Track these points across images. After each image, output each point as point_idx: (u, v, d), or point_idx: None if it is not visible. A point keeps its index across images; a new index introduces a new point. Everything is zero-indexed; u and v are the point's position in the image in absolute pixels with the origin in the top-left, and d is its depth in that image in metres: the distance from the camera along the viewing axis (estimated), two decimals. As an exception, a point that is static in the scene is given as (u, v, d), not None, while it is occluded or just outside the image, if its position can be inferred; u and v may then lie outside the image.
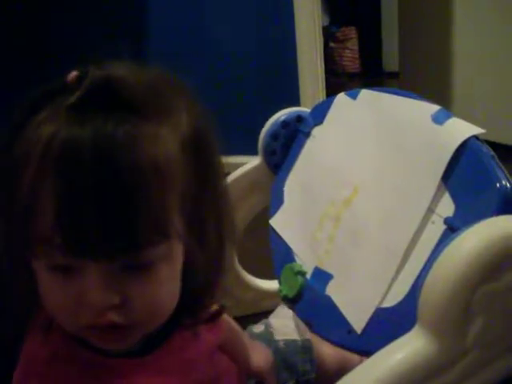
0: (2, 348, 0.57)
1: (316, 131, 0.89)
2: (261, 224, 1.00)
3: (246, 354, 0.73)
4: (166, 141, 0.47)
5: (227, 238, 0.56)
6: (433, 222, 0.61)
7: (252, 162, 0.98)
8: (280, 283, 0.81)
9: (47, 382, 0.52)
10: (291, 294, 0.77)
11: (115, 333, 0.49)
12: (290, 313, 0.84)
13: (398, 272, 0.62)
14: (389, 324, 0.61)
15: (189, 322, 0.57)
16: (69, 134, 0.45)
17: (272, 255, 0.89)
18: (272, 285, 1.04)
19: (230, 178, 0.98)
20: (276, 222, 0.89)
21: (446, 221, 0.59)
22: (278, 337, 0.81)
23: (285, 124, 0.92)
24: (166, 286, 0.50)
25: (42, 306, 0.53)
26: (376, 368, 0.51)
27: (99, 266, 0.46)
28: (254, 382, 0.76)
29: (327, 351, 0.79)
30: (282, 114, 0.93)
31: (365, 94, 0.80)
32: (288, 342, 0.81)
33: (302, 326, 0.83)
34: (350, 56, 3.37)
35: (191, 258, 0.52)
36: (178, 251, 0.51)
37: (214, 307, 0.59)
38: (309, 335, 0.81)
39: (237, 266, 1.06)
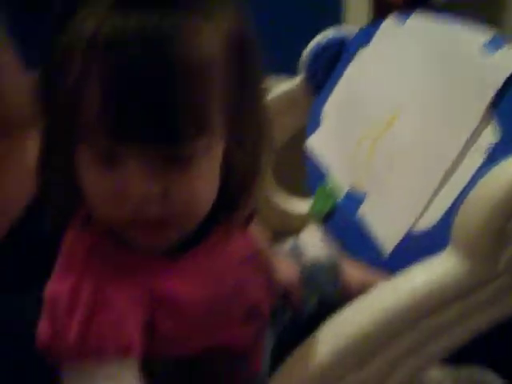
0: (44, 244, 0.59)
1: (360, 54, 0.87)
2: (296, 145, 1.01)
3: (273, 267, 0.76)
4: (211, 36, 0.48)
5: (265, 146, 0.57)
6: (475, 150, 0.60)
7: (292, 82, 0.98)
8: (312, 203, 0.82)
9: (83, 277, 0.55)
10: (323, 213, 0.78)
11: (153, 228, 0.52)
12: (319, 233, 0.86)
13: (433, 196, 0.62)
14: (419, 248, 0.62)
15: (223, 223, 0.59)
16: (114, 26, 0.46)
17: (306, 176, 0.90)
18: (303, 206, 1.06)
19: (269, 95, 0.98)
20: (313, 142, 0.89)
21: (488, 150, 0.59)
22: (306, 255, 0.84)
23: (329, 45, 0.91)
24: (205, 181, 0.52)
25: (82, 202, 0.56)
26: (402, 285, 0.53)
27: (141, 156, 0.48)
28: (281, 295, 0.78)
29: (354, 273, 0.81)
30: (326, 35, 0.92)
31: (414, 18, 0.78)
32: (314, 262, 0.83)
33: (331, 246, 0.85)
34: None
35: (230, 158, 0.53)
36: (217, 149, 0.52)
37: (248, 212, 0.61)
38: (336, 256, 0.83)
39: (270, 184, 1.08)
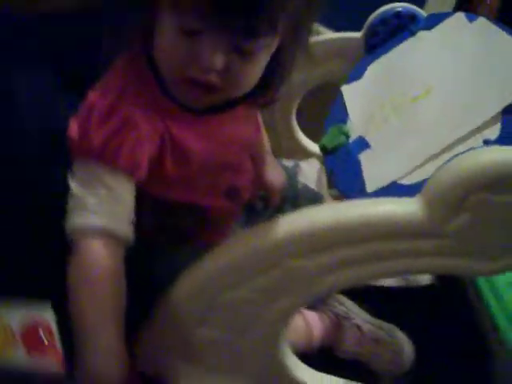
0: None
1: (421, 34, 0.96)
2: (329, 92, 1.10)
3: (265, 167, 0.87)
4: None
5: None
6: (475, 139, 0.70)
7: (352, 33, 1.06)
8: (324, 136, 0.92)
9: (120, 100, 0.64)
10: (329, 146, 0.88)
11: (205, 91, 0.63)
12: (317, 165, 0.97)
13: (428, 161, 0.72)
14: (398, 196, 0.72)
15: (248, 103, 0.71)
16: None
17: (327, 116, 1.00)
18: (315, 148, 1.16)
19: (329, 35, 1.07)
20: (347, 89, 0.98)
21: (484, 142, 0.68)
22: (300, 178, 0.94)
23: (398, 15, 0.99)
24: (257, 69, 0.63)
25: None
26: (364, 205, 0.63)
27: (219, 38, 0.59)
28: (260, 194, 0.89)
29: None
30: (399, 5, 1.00)
31: (482, 22, 0.86)
32: (305, 186, 0.93)
33: (323, 181, 0.95)
34: None
35: (277, 55, 0.65)
36: (274, 47, 0.63)
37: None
38: (324, 193, 0.94)
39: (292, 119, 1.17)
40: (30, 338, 0.53)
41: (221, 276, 0.69)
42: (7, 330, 0.51)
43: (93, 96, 0.65)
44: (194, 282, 0.73)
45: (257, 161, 0.85)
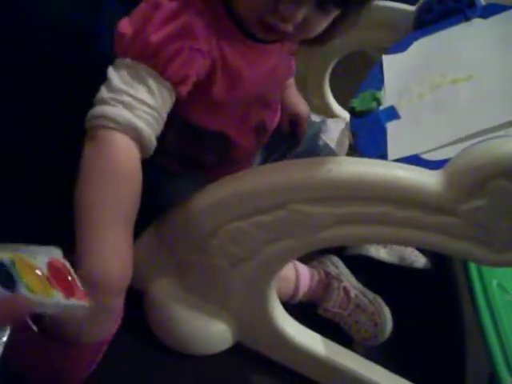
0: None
1: (476, 21, 0.95)
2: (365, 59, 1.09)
3: (294, 95, 0.92)
4: None
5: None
6: (505, 132, 0.70)
7: (405, 5, 1.05)
8: (356, 99, 0.91)
9: (186, 8, 0.62)
10: (359, 109, 0.88)
11: (276, 35, 0.65)
12: (343, 124, 0.97)
13: (452, 143, 0.72)
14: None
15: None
16: None
17: (362, 81, 0.99)
18: (342, 113, 1.16)
19: (381, 2, 1.05)
20: (388, 59, 0.97)
21: (517, 135, 0.68)
22: (323, 136, 0.95)
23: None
24: (328, 22, 0.66)
25: None
26: (386, 164, 0.64)
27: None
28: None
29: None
30: (462, -11, 0.99)
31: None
32: (325, 145, 0.94)
33: (345, 143, 0.96)
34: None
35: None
36: None
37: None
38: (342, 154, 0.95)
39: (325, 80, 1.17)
40: (59, 280, 0.51)
41: (226, 205, 0.70)
42: (40, 271, 0.47)
43: None
44: (198, 207, 0.73)
45: (286, 89, 0.87)
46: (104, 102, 0.58)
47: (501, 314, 0.90)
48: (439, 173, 0.63)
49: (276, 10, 0.61)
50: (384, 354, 0.92)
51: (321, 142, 0.93)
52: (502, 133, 0.71)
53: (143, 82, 0.59)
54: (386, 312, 0.91)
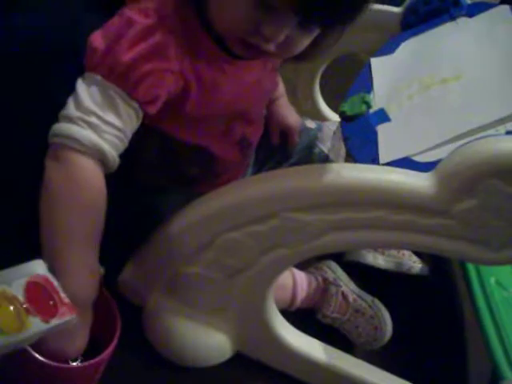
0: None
1: (460, 21, 0.95)
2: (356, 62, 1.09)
3: (283, 107, 0.90)
4: None
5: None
6: (496, 130, 0.70)
7: (391, 8, 1.05)
8: (346, 102, 0.91)
9: (160, 26, 0.62)
10: (349, 113, 0.87)
11: (257, 54, 0.64)
12: (334, 127, 0.97)
13: (443, 144, 0.72)
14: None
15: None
16: None
17: (351, 85, 0.99)
18: (332, 115, 1.16)
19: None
20: (376, 61, 0.97)
21: (507, 132, 0.68)
22: (318, 142, 0.95)
23: (444, -1, 0.98)
24: (310, 40, 0.65)
25: None
26: (376, 169, 0.63)
27: (294, 17, 0.59)
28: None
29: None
30: (447, -11, 0.99)
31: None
32: (320, 152, 0.94)
33: (342, 149, 0.96)
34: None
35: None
36: None
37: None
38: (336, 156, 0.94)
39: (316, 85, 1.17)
40: (38, 300, 0.50)
41: (220, 216, 0.70)
42: (15, 301, 0.47)
43: (132, 13, 0.62)
44: (191, 220, 0.73)
45: (275, 101, 0.87)
46: (71, 120, 0.58)
47: (500, 311, 0.89)
48: (431, 175, 0.63)
49: (258, 31, 0.60)
50: (385, 357, 0.91)
51: (316, 150, 0.93)
52: (492, 131, 0.71)
53: (112, 102, 0.59)
54: (386, 315, 0.91)
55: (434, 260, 1.04)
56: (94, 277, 0.61)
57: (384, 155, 0.76)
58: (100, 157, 0.59)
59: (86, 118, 0.58)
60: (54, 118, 0.60)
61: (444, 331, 0.99)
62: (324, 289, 0.91)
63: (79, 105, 0.59)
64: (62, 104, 0.60)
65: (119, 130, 0.60)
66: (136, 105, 0.61)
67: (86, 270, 0.60)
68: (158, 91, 0.62)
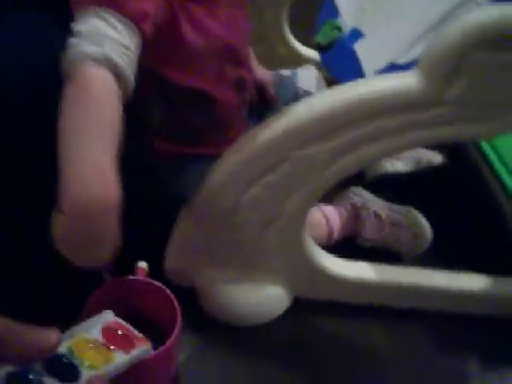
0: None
1: None
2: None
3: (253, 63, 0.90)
4: None
5: None
6: (466, 9, 0.71)
7: None
8: (319, 33, 0.92)
9: None
10: (324, 42, 0.89)
11: None
12: (315, 73, 0.98)
13: (417, 41, 0.73)
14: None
15: None
16: None
17: (319, 14, 1.00)
18: (309, 52, 1.17)
19: None
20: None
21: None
22: (300, 85, 0.96)
23: None
24: None
25: None
26: (363, 84, 0.65)
27: None
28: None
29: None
30: None
31: None
32: (306, 92, 0.95)
33: (323, 85, 0.97)
34: None
35: None
36: None
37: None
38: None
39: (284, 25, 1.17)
40: (115, 339, 0.55)
41: (235, 176, 0.72)
42: (96, 343, 0.53)
43: None
44: (211, 188, 0.75)
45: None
46: (77, 45, 0.58)
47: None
48: (415, 71, 0.64)
49: None
50: (433, 258, 0.94)
51: (301, 91, 0.94)
52: (463, 10, 0.72)
53: (109, 23, 0.60)
54: (422, 220, 0.93)
55: (448, 149, 1.06)
56: (111, 176, 0.54)
57: (369, 68, 0.78)
58: (112, 68, 0.58)
59: (92, 38, 0.58)
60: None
61: (482, 214, 1.00)
62: (355, 215, 0.93)
63: (81, 33, 0.59)
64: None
65: (124, 46, 0.60)
66: (130, 22, 0.61)
67: (101, 165, 0.53)
68: (145, 5, 0.63)
